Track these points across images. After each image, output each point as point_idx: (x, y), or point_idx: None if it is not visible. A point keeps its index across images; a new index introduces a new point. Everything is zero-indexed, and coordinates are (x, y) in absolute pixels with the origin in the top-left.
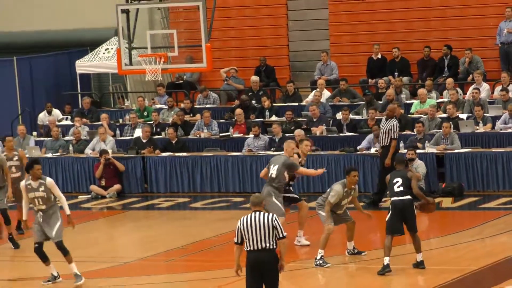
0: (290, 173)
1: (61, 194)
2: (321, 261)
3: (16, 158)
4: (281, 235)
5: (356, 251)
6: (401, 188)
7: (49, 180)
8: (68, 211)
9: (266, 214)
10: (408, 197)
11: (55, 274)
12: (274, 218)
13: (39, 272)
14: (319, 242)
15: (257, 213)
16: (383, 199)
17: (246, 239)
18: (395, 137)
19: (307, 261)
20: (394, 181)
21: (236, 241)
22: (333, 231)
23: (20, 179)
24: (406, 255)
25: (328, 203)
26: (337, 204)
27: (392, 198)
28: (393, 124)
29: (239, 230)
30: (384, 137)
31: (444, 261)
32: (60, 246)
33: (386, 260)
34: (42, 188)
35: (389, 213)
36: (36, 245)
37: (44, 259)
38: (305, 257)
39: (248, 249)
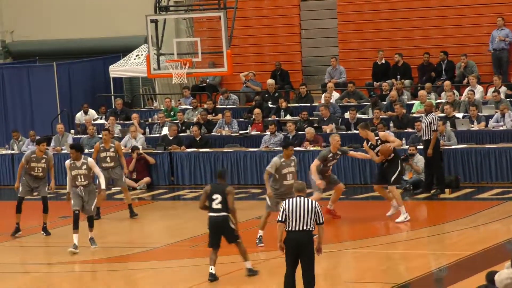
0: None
1: (100, 172)
2: (257, 240)
3: (112, 149)
4: (321, 221)
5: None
6: (219, 206)
7: (90, 160)
8: (103, 186)
9: (309, 199)
10: (224, 213)
11: (77, 244)
12: (316, 205)
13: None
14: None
15: (301, 198)
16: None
17: (288, 220)
18: (436, 129)
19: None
20: (214, 197)
21: (280, 219)
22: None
23: (114, 169)
24: (414, 239)
25: (266, 171)
26: (279, 173)
27: (210, 214)
28: (433, 117)
29: (284, 211)
30: (426, 130)
31: (442, 247)
32: (91, 219)
33: (211, 269)
34: (84, 167)
35: (208, 228)
36: (76, 211)
37: (76, 226)
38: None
39: (289, 229)
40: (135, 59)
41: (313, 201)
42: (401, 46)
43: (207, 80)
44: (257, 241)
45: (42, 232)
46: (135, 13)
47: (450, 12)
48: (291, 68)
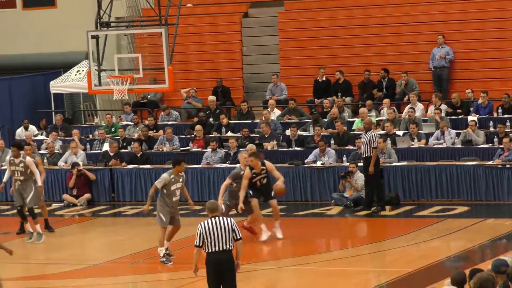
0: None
1: (36, 170)
2: (164, 259)
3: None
4: (238, 237)
5: (168, 252)
6: None
7: (28, 159)
8: (39, 182)
9: (226, 218)
10: None
11: (31, 230)
12: (233, 222)
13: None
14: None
15: (217, 218)
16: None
17: (207, 242)
18: (376, 146)
19: (263, 263)
20: None
21: (197, 244)
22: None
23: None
24: (355, 256)
25: (153, 186)
26: (168, 190)
27: None
28: (372, 135)
29: (201, 234)
30: (365, 148)
31: (382, 264)
32: (31, 212)
33: None
34: (21, 164)
35: None
36: (18, 208)
37: (24, 219)
38: (258, 260)
39: (209, 251)
40: (76, 75)
41: (229, 219)
42: (342, 64)
43: (148, 96)
44: (163, 259)
45: None
46: (76, 28)
47: (390, 30)
48: (233, 85)
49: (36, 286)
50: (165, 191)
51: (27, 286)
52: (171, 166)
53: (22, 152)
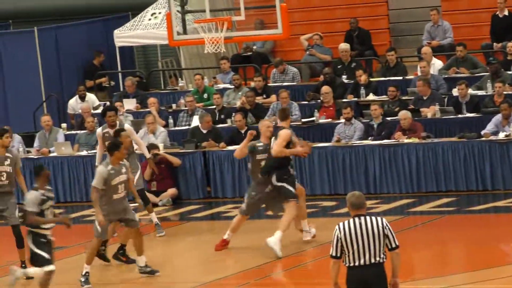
0: None
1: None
2: (83, 279)
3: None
4: (394, 245)
5: (149, 269)
6: None
7: (127, 126)
8: (147, 155)
9: (375, 219)
10: None
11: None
12: (386, 224)
13: None
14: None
15: (362, 218)
16: None
17: (348, 252)
18: None
19: (425, 281)
20: None
21: (334, 254)
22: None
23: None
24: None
25: (93, 189)
26: (108, 186)
27: None
28: None
29: (339, 241)
30: None
31: None
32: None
33: None
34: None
35: None
36: None
37: None
38: (419, 276)
39: (351, 264)
40: (150, 19)
41: (379, 219)
42: None
43: (254, 47)
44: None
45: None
46: None
47: None
48: (374, 27)
49: None
50: (104, 188)
51: None
52: (109, 153)
53: None
